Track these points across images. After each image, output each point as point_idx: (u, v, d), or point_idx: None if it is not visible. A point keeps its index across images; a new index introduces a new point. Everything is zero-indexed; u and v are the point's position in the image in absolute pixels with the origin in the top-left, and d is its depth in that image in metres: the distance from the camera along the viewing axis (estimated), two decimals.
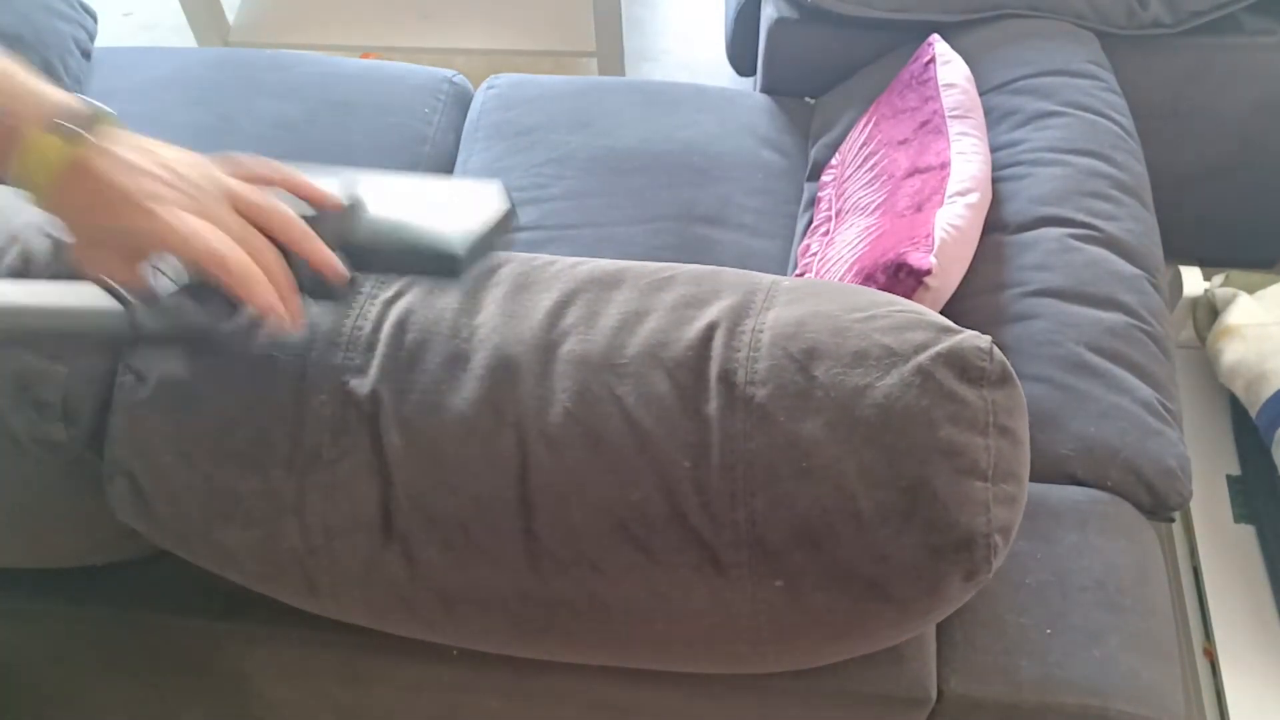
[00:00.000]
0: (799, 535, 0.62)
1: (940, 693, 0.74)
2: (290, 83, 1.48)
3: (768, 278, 0.72)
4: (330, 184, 0.67)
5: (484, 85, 1.55)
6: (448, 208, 0.67)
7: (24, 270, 0.70)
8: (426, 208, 0.67)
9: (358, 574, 0.67)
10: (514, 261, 0.72)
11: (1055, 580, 0.79)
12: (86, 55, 1.50)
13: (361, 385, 0.67)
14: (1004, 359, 0.65)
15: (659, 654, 0.71)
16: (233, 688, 0.87)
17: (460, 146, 1.49)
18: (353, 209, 0.66)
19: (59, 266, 0.68)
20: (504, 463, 0.64)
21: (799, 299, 0.68)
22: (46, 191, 0.58)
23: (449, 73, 1.57)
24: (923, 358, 0.63)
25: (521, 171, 1.39)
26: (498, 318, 0.68)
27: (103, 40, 1.57)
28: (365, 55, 1.92)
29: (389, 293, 0.70)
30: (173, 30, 2.28)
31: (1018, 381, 0.65)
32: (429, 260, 0.66)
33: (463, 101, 1.55)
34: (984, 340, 0.65)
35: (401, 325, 0.68)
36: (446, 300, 0.70)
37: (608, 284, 0.70)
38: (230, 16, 2.06)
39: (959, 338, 0.64)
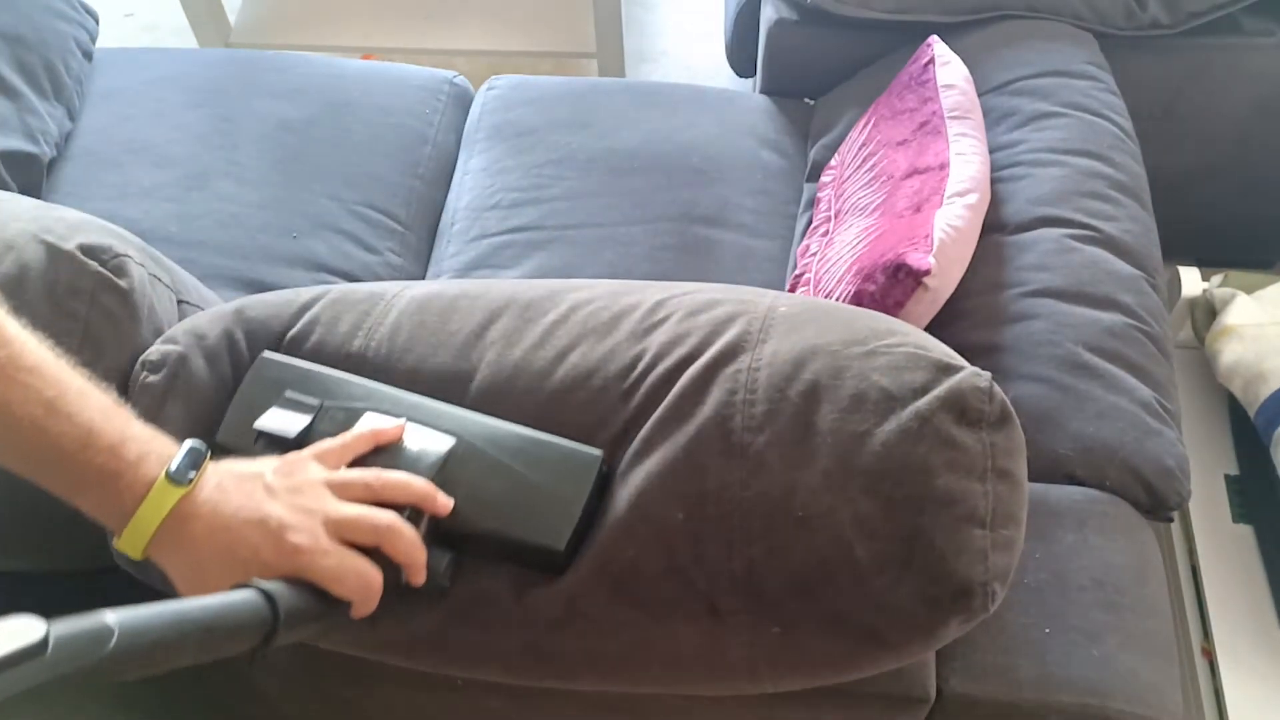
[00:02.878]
0: (796, 584, 0.62)
1: (939, 692, 0.74)
2: (291, 84, 1.48)
3: (765, 301, 0.71)
4: (426, 436, 0.66)
5: (485, 86, 1.55)
6: (543, 476, 0.65)
7: (19, 278, 0.70)
8: (522, 478, 0.65)
9: (353, 631, 0.68)
10: (509, 314, 0.72)
11: (1054, 580, 0.79)
12: (88, 56, 1.51)
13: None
14: (1003, 397, 0.64)
15: (656, 688, 0.71)
16: (234, 687, 0.87)
17: (461, 147, 1.50)
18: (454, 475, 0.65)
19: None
20: None
21: (797, 327, 0.68)
22: (157, 537, 0.58)
23: (450, 74, 1.57)
24: (921, 403, 0.62)
25: (522, 172, 1.39)
26: (495, 360, 0.69)
27: (104, 41, 1.57)
28: (366, 56, 1.92)
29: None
30: (174, 31, 2.28)
31: (1016, 419, 0.65)
32: (528, 554, 0.65)
33: (463, 102, 1.55)
34: (983, 380, 0.64)
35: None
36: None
37: (601, 331, 0.70)
38: (231, 18, 2.06)
39: (958, 378, 0.63)
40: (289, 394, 0.69)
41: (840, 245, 1.11)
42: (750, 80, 1.66)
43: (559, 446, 0.66)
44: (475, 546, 0.66)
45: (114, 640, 0.45)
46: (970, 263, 1.01)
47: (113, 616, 0.46)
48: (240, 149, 1.39)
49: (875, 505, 0.61)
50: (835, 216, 1.22)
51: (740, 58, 1.65)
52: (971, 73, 1.18)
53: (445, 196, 1.45)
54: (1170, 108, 1.47)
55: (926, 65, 1.19)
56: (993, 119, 1.21)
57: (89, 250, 0.73)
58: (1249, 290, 1.25)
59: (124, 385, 0.72)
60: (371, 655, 0.70)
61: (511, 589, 0.66)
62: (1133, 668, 0.76)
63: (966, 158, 1.06)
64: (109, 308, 0.72)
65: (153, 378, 0.71)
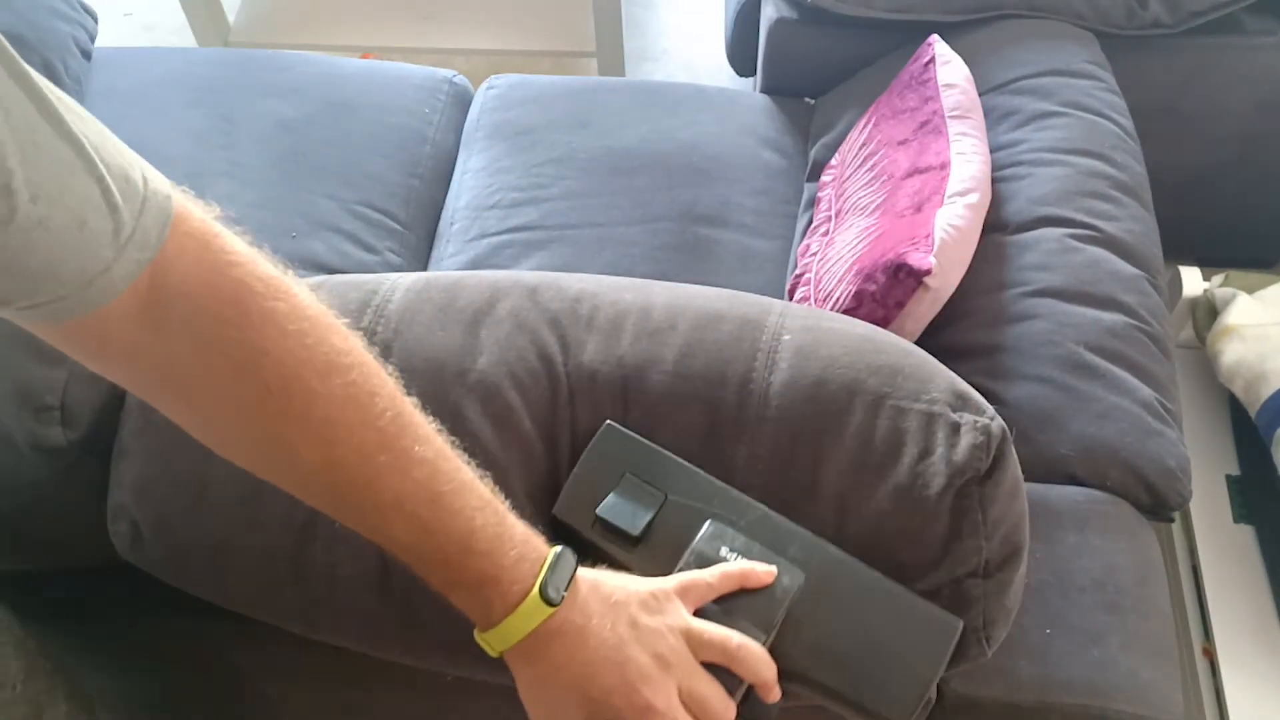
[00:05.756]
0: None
1: (940, 693, 0.74)
2: (290, 83, 1.48)
3: (770, 321, 0.70)
4: (777, 567, 0.63)
5: (484, 85, 1.55)
6: (896, 637, 0.62)
7: None
8: (874, 634, 0.61)
9: (357, 625, 0.67)
10: (515, 293, 0.72)
11: (1055, 580, 0.79)
12: (87, 55, 1.50)
13: None
14: (1000, 435, 0.64)
15: None
16: (234, 686, 0.87)
17: (460, 147, 1.49)
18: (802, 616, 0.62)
19: None
20: None
21: (803, 355, 0.68)
22: (518, 646, 0.56)
23: (449, 73, 1.56)
24: (923, 468, 0.63)
25: (521, 171, 1.39)
26: (494, 362, 0.68)
27: (103, 40, 1.57)
28: (365, 55, 1.92)
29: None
30: (173, 31, 2.28)
31: (1013, 456, 0.65)
32: (869, 715, 0.61)
33: (463, 102, 1.55)
34: (980, 434, 0.64)
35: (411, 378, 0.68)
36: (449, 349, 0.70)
37: (610, 332, 0.70)
38: (230, 17, 2.06)
39: (959, 442, 0.63)
40: (630, 478, 0.66)
41: (841, 245, 1.11)
42: (750, 79, 1.65)
43: (918, 606, 0.63)
44: (806, 688, 0.63)
45: None
46: (971, 263, 1.00)
47: None
48: (239, 148, 1.39)
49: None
50: (836, 216, 1.22)
51: (740, 57, 1.65)
52: (972, 72, 1.18)
53: (444, 196, 1.45)
54: (1172, 107, 1.47)
55: (927, 64, 1.19)
56: (994, 118, 1.21)
57: None
58: (1250, 290, 1.25)
59: None
60: (377, 651, 0.70)
61: None
62: (1133, 668, 0.75)
63: (967, 157, 1.06)
64: None
65: None
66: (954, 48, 1.21)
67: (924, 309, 0.96)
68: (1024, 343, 0.97)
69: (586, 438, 0.67)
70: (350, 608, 0.66)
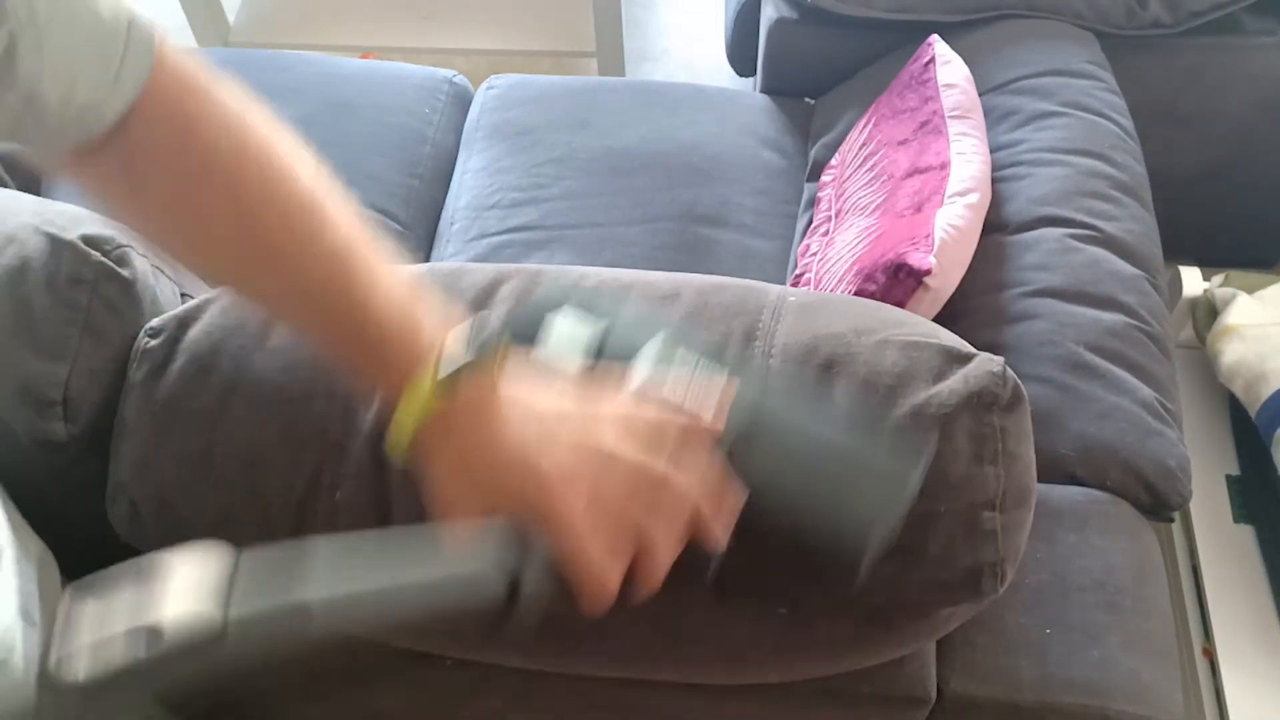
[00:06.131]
0: (805, 565, 0.61)
1: (940, 693, 0.74)
2: (290, 83, 1.48)
3: (775, 290, 0.71)
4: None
5: (484, 85, 1.55)
6: (850, 490, 0.54)
7: (20, 269, 0.70)
8: (825, 486, 0.55)
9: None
10: (519, 277, 0.72)
11: (1055, 580, 0.79)
12: None
13: (364, 416, 0.67)
14: (1015, 379, 0.64)
15: (659, 671, 0.71)
16: (233, 686, 0.87)
17: (460, 147, 1.49)
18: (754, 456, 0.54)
19: None
20: None
21: (809, 315, 0.68)
22: (417, 436, 0.52)
23: (449, 73, 1.56)
24: (936, 390, 0.62)
25: (521, 171, 1.39)
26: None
27: None
28: (365, 55, 1.92)
29: None
30: (173, 31, 2.27)
31: (1026, 400, 0.65)
32: (824, 563, 0.55)
33: (463, 102, 1.55)
34: (996, 365, 0.64)
35: None
36: None
37: (616, 298, 0.70)
38: (230, 17, 2.06)
39: (973, 365, 0.63)
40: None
41: (841, 245, 1.11)
42: (750, 79, 1.65)
43: (884, 433, 0.58)
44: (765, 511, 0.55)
45: (311, 622, 0.41)
46: (971, 263, 1.00)
47: (312, 596, 0.41)
48: None
49: None
50: (836, 216, 1.22)
51: (740, 57, 1.65)
52: (972, 72, 1.18)
53: (444, 196, 1.45)
54: (1171, 107, 1.47)
55: (927, 64, 1.19)
56: (994, 118, 1.21)
57: (91, 240, 0.72)
58: (1250, 290, 1.25)
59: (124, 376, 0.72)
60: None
61: None
62: (1133, 668, 0.75)
63: (967, 157, 1.06)
64: (111, 298, 0.72)
65: (153, 342, 0.71)
66: (954, 48, 1.21)
67: (924, 309, 0.96)
68: (1024, 343, 0.97)
69: None
70: None
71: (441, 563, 0.47)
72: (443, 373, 0.51)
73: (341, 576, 0.44)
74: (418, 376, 0.52)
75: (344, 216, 0.55)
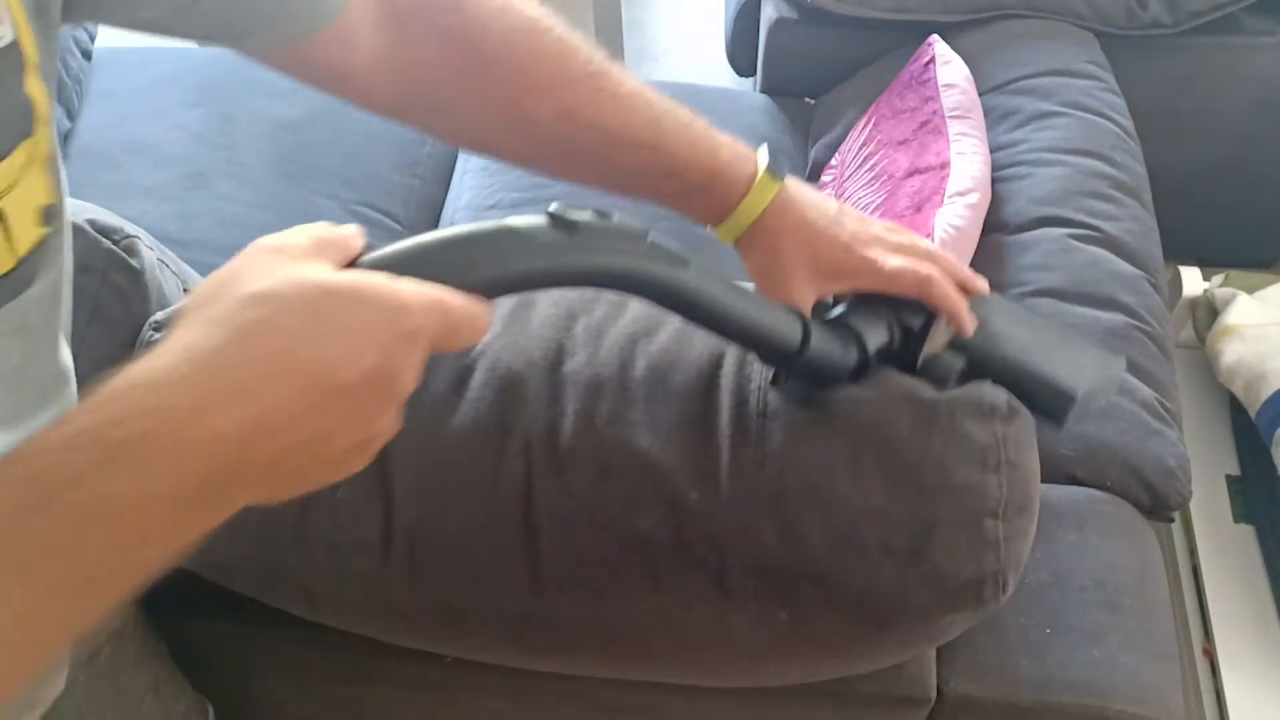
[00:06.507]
0: (806, 568, 0.61)
1: (940, 693, 0.74)
2: (290, 83, 1.45)
3: None
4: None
5: None
6: (1066, 354, 0.66)
7: None
8: (1046, 345, 0.67)
9: (359, 593, 0.67)
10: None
11: (1055, 580, 0.79)
12: (87, 55, 1.50)
13: None
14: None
15: (657, 671, 0.71)
16: (234, 686, 0.87)
17: None
18: (985, 310, 0.65)
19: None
20: (508, 485, 0.63)
21: None
22: (751, 231, 0.64)
23: None
24: (937, 397, 0.62)
25: (521, 171, 1.39)
26: (502, 334, 0.68)
27: (103, 40, 1.57)
28: None
29: None
30: None
31: (1028, 411, 0.65)
32: (1043, 389, 0.65)
33: None
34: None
35: None
36: None
37: (615, 300, 0.70)
38: None
39: (976, 382, 0.63)
40: None
41: None
42: (750, 80, 1.65)
43: (1087, 347, 0.69)
44: (990, 369, 0.66)
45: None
46: (971, 263, 1.01)
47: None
48: (239, 148, 1.39)
49: (890, 495, 0.61)
50: None
51: (740, 57, 1.65)
52: (972, 72, 1.18)
53: (445, 196, 1.45)
54: (1171, 107, 1.47)
55: (927, 64, 1.19)
56: (994, 118, 1.21)
57: (100, 227, 0.72)
58: (1250, 290, 1.25)
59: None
60: (377, 626, 0.70)
61: (521, 553, 0.65)
62: (1133, 668, 0.75)
63: (967, 157, 1.06)
64: (119, 286, 0.71)
65: (158, 336, 0.71)
66: (954, 48, 1.21)
67: None
68: None
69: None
70: (352, 572, 0.66)
71: (760, 299, 0.58)
72: (764, 166, 0.62)
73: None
74: (750, 172, 0.62)
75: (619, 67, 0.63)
